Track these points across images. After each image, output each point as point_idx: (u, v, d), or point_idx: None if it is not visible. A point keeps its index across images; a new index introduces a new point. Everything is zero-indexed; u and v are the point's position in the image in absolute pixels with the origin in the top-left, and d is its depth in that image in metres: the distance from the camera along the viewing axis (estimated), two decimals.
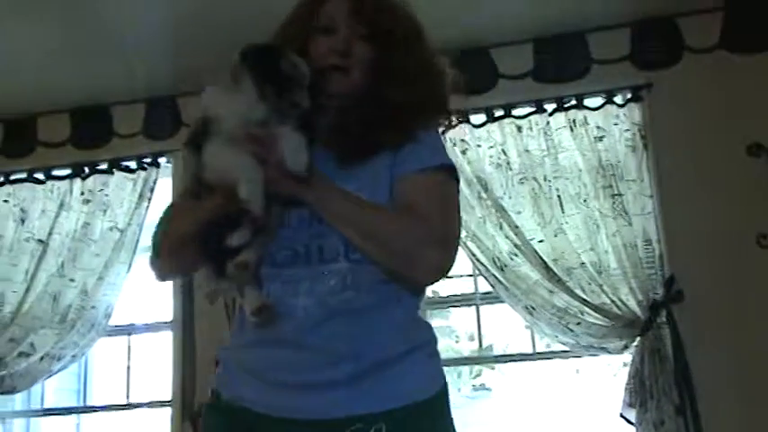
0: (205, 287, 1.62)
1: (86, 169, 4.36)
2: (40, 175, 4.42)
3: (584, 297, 3.66)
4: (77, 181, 4.36)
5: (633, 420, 3.51)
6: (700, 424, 3.43)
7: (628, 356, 3.65)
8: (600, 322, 3.65)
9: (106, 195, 4.30)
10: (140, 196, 4.25)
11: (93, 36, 3.83)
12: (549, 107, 3.89)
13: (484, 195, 3.85)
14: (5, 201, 4.42)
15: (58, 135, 4.49)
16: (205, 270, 1.63)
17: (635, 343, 3.59)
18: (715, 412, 3.45)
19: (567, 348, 3.80)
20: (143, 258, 4.14)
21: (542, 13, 3.82)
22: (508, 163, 3.88)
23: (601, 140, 3.80)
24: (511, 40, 4.00)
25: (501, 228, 3.82)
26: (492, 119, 3.94)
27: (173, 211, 1.75)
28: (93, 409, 4.74)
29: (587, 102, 3.86)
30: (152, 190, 4.26)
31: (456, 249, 1.63)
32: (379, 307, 1.56)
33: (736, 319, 3.56)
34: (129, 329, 4.57)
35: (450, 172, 1.67)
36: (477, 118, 3.96)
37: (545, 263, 3.72)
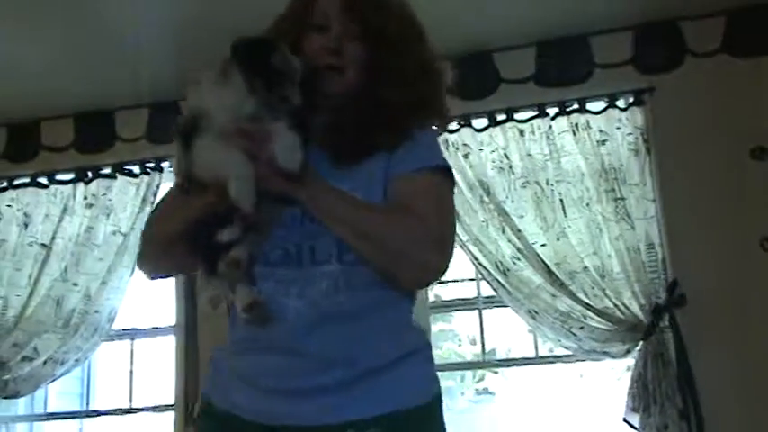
0: (207, 291, 1.59)
1: (90, 174, 4.38)
2: (43, 180, 4.43)
3: (587, 301, 3.66)
4: (81, 185, 4.37)
5: (636, 425, 3.51)
6: (703, 428, 3.42)
7: (631, 360, 3.64)
8: (603, 326, 3.64)
9: (109, 200, 4.31)
10: (143, 201, 4.26)
11: (96, 41, 3.84)
12: (552, 111, 3.90)
13: (486, 199, 3.85)
14: (9, 205, 4.43)
15: (61, 139, 4.50)
16: (198, 270, 1.60)
17: (638, 347, 3.59)
18: (718, 416, 3.45)
19: (569, 352, 3.79)
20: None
21: (544, 17, 3.83)
22: (510, 167, 3.89)
23: (603, 144, 3.80)
24: (513, 45, 4.01)
25: (503, 232, 3.82)
26: (494, 123, 3.94)
27: (162, 209, 1.73)
28: (97, 413, 4.73)
29: (590, 106, 3.87)
30: (155, 194, 4.26)
31: (451, 251, 1.61)
32: (372, 311, 1.54)
33: (739, 323, 3.55)
34: (132, 334, 4.57)
35: (446, 173, 1.65)
36: (480, 122, 3.96)
37: (548, 267, 3.72)
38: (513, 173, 3.87)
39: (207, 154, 1.49)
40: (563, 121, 3.87)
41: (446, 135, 3.90)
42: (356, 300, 1.52)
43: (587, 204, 3.76)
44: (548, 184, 3.81)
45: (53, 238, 4.29)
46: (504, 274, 3.79)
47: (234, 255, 1.49)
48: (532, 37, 3.99)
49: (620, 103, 3.87)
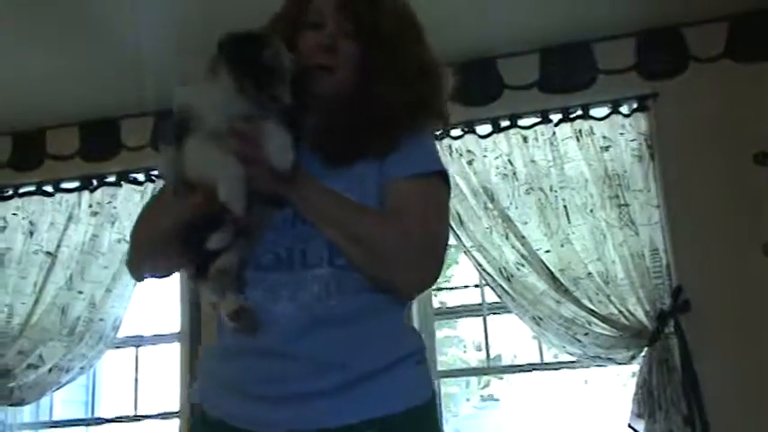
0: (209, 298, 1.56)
1: (95, 182, 4.39)
2: (48, 188, 4.44)
3: (592, 307, 3.66)
4: (86, 193, 4.38)
5: (642, 431, 3.50)
6: None
7: (636, 367, 3.63)
8: (607, 333, 3.64)
9: (114, 208, 4.32)
10: None
11: (101, 49, 3.85)
12: (555, 117, 3.90)
13: (490, 206, 3.85)
14: (14, 213, 4.44)
15: (66, 148, 4.52)
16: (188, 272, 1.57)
17: (643, 353, 3.58)
18: (724, 422, 3.44)
19: (574, 359, 3.79)
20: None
21: (548, 23, 3.83)
22: (514, 173, 3.89)
23: (607, 150, 3.80)
24: (516, 51, 4.01)
25: (507, 238, 3.82)
26: (498, 129, 3.95)
27: (151, 209, 1.70)
28: (102, 420, 4.73)
29: (593, 112, 3.87)
30: None
31: (443, 259, 1.59)
32: (364, 315, 1.51)
33: (743, 329, 3.55)
34: (136, 341, 4.58)
35: (442, 178, 1.62)
36: (483, 128, 3.97)
37: (552, 273, 3.72)
38: (517, 179, 3.88)
39: (197, 155, 1.46)
40: (566, 128, 3.88)
41: (450, 141, 3.91)
42: (348, 304, 1.49)
43: (591, 210, 3.76)
44: (551, 190, 3.81)
45: (58, 246, 4.30)
46: (509, 280, 3.79)
47: (222, 262, 1.47)
48: (536, 43, 3.99)
49: (624, 109, 3.87)
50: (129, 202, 4.31)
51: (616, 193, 3.73)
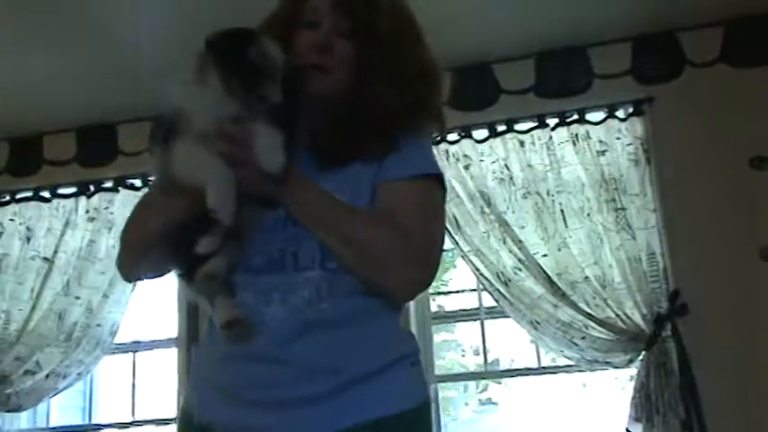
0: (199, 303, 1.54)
1: (92, 187, 4.39)
2: (45, 194, 4.45)
3: (589, 311, 3.66)
4: (83, 199, 4.39)
5: None
6: None
7: (634, 370, 3.64)
8: (605, 336, 3.64)
9: (111, 213, 4.32)
10: None
11: (98, 55, 3.85)
12: (552, 122, 3.91)
13: (487, 210, 3.86)
14: (11, 219, 4.44)
15: (63, 153, 4.52)
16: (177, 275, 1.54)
17: (640, 357, 3.59)
18: (721, 426, 3.44)
19: (572, 363, 3.79)
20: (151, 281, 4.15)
21: (544, 28, 3.84)
22: (511, 178, 3.89)
23: (603, 155, 3.81)
24: (513, 56, 4.02)
25: (504, 242, 3.82)
26: (494, 134, 3.95)
27: (140, 210, 1.66)
28: (99, 426, 4.73)
29: (589, 116, 3.88)
30: None
31: (437, 263, 1.57)
32: (356, 319, 1.49)
33: (740, 332, 3.55)
34: (134, 347, 4.58)
35: (437, 181, 1.60)
36: (480, 133, 3.97)
37: (549, 277, 3.72)
38: (514, 183, 3.88)
39: (185, 158, 1.43)
40: (563, 132, 3.88)
41: (446, 146, 3.91)
42: (339, 307, 1.47)
43: (588, 215, 3.77)
44: (548, 194, 3.82)
45: (55, 251, 4.30)
46: (506, 284, 3.79)
47: (210, 267, 1.43)
48: (532, 48, 4.00)
49: (620, 113, 3.88)
50: (127, 207, 4.30)
51: (613, 197, 3.74)
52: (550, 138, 3.88)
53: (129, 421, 4.48)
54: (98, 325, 4.19)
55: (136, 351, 4.59)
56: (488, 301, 4.04)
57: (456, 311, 4.73)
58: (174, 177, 1.45)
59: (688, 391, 3.47)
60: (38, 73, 3.99)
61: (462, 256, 3.88)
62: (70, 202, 4.39)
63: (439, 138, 3.67)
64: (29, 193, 4.47)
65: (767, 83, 3.76)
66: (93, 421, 4.78)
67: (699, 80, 3.84)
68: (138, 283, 4.10)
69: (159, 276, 1.65)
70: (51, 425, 4.61)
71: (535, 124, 3.92)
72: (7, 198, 4.48)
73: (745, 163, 3.64)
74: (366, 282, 1.49)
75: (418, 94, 1.60)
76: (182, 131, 1.43)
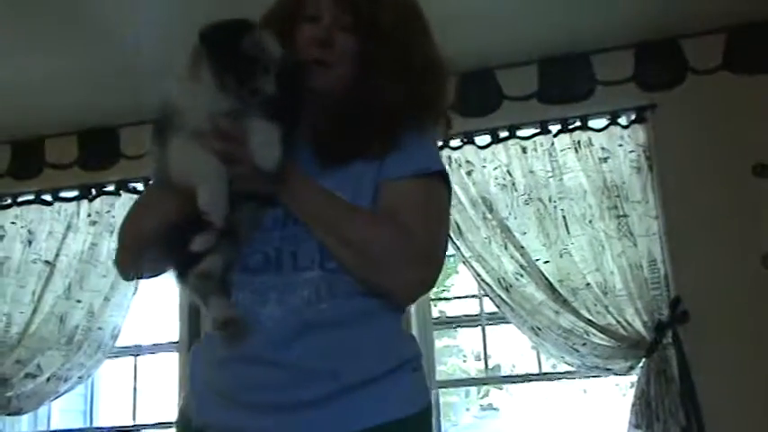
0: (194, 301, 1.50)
1: (94, 191, 4.39)
2: (47, 197, 4.45)
3: (590, 318, 3.66)
4: (85, 202, 4.39)
5: None
6: None
7: (635, 377, 3.63)
8: (605, 343, 3.64)
9: (113, 217, 4.32)
10: None
11: (100, 58, 3.85)
12: (554, 128, 3.91)
13: (489, 216, 3.86)
14: (13, 222, 4.45)
15: (65, 157, 4.52)
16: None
17: (641, 364, 3.59)
18: None
19: (573, 369, 3.79)
20: (149, 280, 4.15)
21: (547, 34, 3.84)
22: (513, 184, 3.89)
23: (605, 161, 3.81)
24: (516, 62, 4.02)
25: (506, 248, 3.82)
26: (497, 140, 3.95)
27: (137, 208, 1.64)
28: (100, 430, 4.73)
29: (592, 123, 3.88)
30: None
31: (440, 263, 1.53)
32: (356, 320, 1.45)
33: (741, 340, 3.55)
34: (135, 350, 4.58)
35: (441, 179, 1.55)
36: (483, 139, 3.97)
37: (550, 283, 3.72)
38: (516, 190, 3.88)
39: (179, 156, 1.40)
40: (565, 139, 3.88)
41: (449, 152, 3.91)
42: (339, 308, 1.43)
43: (590, 221, 3.77)
44: (550, 200, 3.82)
45: (57, 255, 4.30)
46: (507, 290, 3.79)
47: (204, 266, 1.40)
48: (535, 55, 4.00)
49: (622, 120, 3.88)
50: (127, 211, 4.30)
51: (615, 204, 3.73)
52: (553, 144, 3.88)
53: (130, 425, 4.49)
54: (99, 328, 4.20)
55: (137, 355, 4.59)
56: (490, 306, 4.04)
57: (457, 317, 4.72)
58: (168, 176, 1.43)
59: (688, 398, 3.47)
60: (39, 76, 3.99)
61: (464, 262, 3.88)
62: (72, 206, 4.40)
63: (445, 135, 3.68)
64: (30, 197, 4.47)
65: None
66: (95, 425, 4.78)
67: (701, 87, 3.83)
68: (138, 283, 4.16)
69: (156, 275, 1.63)
70: (52, 428, 4.61)
71: (537, 131, 3.92)
72: (9, 201, 4.48)
73: (748, 170, 3.65)
74: (366, 282, 1.45)
75: (423, 89, 1.56)
76: (176, 128, 1.40)
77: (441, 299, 5.17)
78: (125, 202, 4.34)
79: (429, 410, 1.53)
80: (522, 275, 3.78)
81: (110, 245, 4.28)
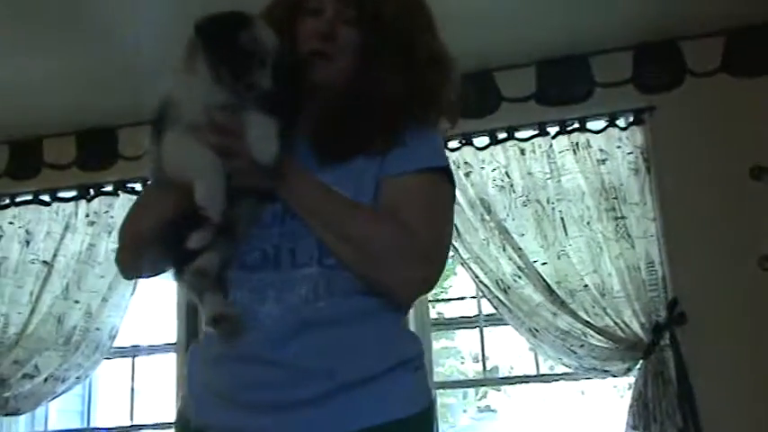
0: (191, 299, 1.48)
1: (92, 191, 4.38)
2: (45, 197, 4.44)
3: (588, 319, 3.66)
4: (83, 203, 4.38)
5: None
6: None
7: (632, 379, 3.64)
8: (603, 345, 3.64)
9: (111, 217, 4.32)
10: None
11: (98, 58, 3.85)
12: (552, 130, 3.91)
13: (487, 217, 3.86)
14: (11, 223, 4.44)
15: (63, 157, 4.52)
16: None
17: (638, 366, 3.59)
18: None
19: (570, 370, 3.79)
20: (147, 280, 4.15)
21: (545, 36, 3.84)
22: (511, 185, 3.89)
23: (603, 163, 3.81)
24: (514, 64, 4.02)
25: (504, 250, 3.82)
26: (495, 141, 3.95)
27: (137, 207, 1.63)
28: (98, 430, 4.73)
29: (590, 125, 3.88)
30: None
31: (442, 261, 1.51)
32: (355, 319, 1.42)
33: (739, 342, 3.55)
34: (133, 351, 4.57)
35: (444, 174, 1.53)
36: (481, 140, 3.97)
37: (548, 285, 3.72)
38: (514, 191, 3.88)
39: (174, 150, 1.38)
40: (563, 140, 3.89)
41: (447, 153, 3.90)
42: (337, 306, 1.40)
43: (588, 223, 3.77)
44: (548, 202, 3.82)
45: (55, 255, 4.29)
46: (505, 292, 3.79)
47: (200, 263, 1.38)
48: (533, 56, 4.00)
49: (621, 122, 3.88)
50: (126, 211, 4.29)
51: (612, 205, 3.74)
52: (551, 146, 3.88)
53: (127, 425, 4.48)
54: (97, 329, 4.19)
55: (135, 355, 4.58)
56: (487, 308, 4.04)
57: (455, 318, 4.73)
58: (164, 171, 1.41)
59: (686, 399, 3.47)
60: (38, 76, 3.99)
61: (462, 264, 3.88)
62: (70, 206, 4.39)
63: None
64: (28, 197, 4.46)
65: None
66: (92, 425, 4.77)
67: (700, 89, 3.84)
68: (136, 284, 4.16)
69: (157, 274, 1.61)
70: (50, 429, 4.60)
71: (536, 132, 3.92)
72: (7, 201, 4.48)
73: (746, 172, 3.65)
74: (365, 279, 1.42)
75: (426, 83, 1.53)
76: (171, 121, 1.38)
77: (439, 300, 5.18)
78: (123, 202, 4.33)
79: (431, 410, 1.51)
80: (519, 277, 3.79)
81: (108, 245, 4.27)
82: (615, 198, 3.74)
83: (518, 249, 3.79)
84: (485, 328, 4.21)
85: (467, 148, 3.95)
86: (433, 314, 4.41)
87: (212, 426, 1.44)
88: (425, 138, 1.53)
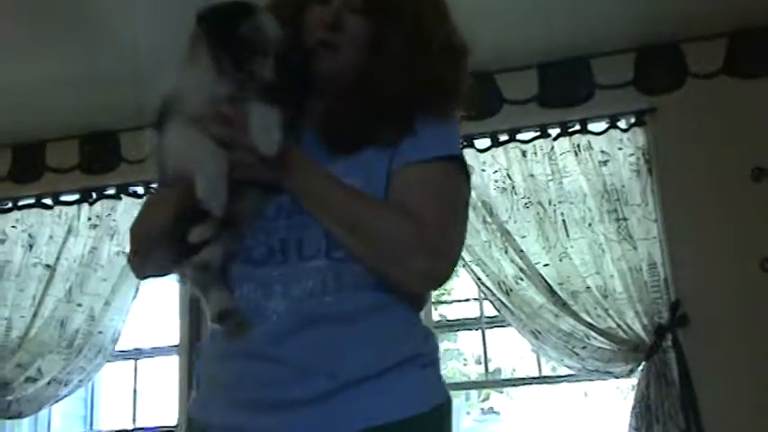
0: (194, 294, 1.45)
1: (94, 194, 4.39)
2: (48, 201, 4.44)
3: (590, 321, 3.66)
4: (85, 206, 4.38)
5: None
6: None
7: (635, 380, 3.64)
8: (605, 346, 3.64)
9: (114, 220, 4.32)
10: None
11: (101, 62, 3.86)
12: (554, 132, 3.91)
13: (489, 219, 3.86)
14: (13, 226, 4.44)
15: (66, 161, 4.52)
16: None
17: (641, 367, 3.59)
18: None
19: (573, 372, 3.79)
20: (150, 283, 4.16)
21: (547, 38, 3.84)
22: (513, 187, 3.90)
23: (605, 165, 3.81)
24: (515, 66, 4.02)
25: (506, 252, 3.82)
26: (497, 143, 3.96)
27: (148, 205, 1.61)
28: None
29: (591, 126, 3.88)
30: None
31: (453, 254, 1.43)
32: (364, 315, 1.36)
33: (741, 343, 3.55)
34: (135, 354, 4.58)
35: (457, 164, 1.46)
36: (482, 142, 3.97)
37: (550, 287, 3.72)
38: (516, 193, 3.89)
39: (176, 142, 1.35)
40: (565, 142, 3.89)
41: None
42: (345, 302, 1.35)
43: (589, 225, 3.77)
44: (550, 204, 3.82)
45: (57, 258, 4.29)
46: (507, 294, 3.79)
47: (203, 257, 1.35)
48: (535, 58, 4.01)
49: (622, 123, 3.88)
50: (129, 214, 4.30)
51: (614, 207, 3.74)
52: (552, 148, 3.89)
53: (130, 429, 4.48)
54: (100, 332, 4.19)
55: (137, 358, 4.59)
56: (490, 310, 4.04)
57: (457, 320, 4.73)
58: (167, 166, 1.39)
59: (688, 401, 3.47)
60: (41, 80, 4.00)
61: (464, 266, 3.88)
62: (72, 210, 4.39)
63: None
64: (31, 200, 4.47)
65: None
66: (95, 429, 4.78)
67: (701, 91, 3.84)
68: (140, 286, 4.16)
69: (166, 274, 1.58)
70: None
71: (537, 134, 3.92)
72: (9, 205, 4.48)
73: (747, 174, 3.65)
74: (375, 272, 1.37)
75: (439, 73, 1.47)
76: (174, 113, 1.36)
77: (441, 302, 5.18)
78: (126, 205, 4.34)
79: (442, 409, 1.41)
80: (522, 279, 3.79)
81: (110, 249, 4.28)
82: (617, 199, 3.74)
83: (520, 251, 3.79)
84: (487, 330, 4.21)
85: (468, 150, 3.94)
86: (435, 316, 4.41)
87: (213, 425, 1.41)
88: (438, 128, 1.46)
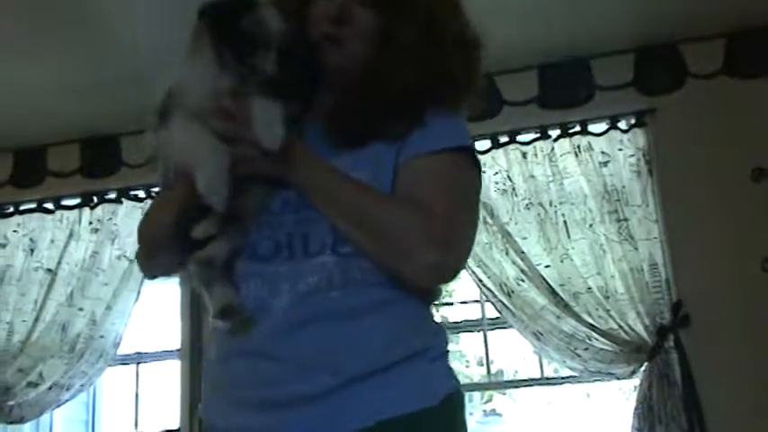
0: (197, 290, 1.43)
1: (95, 199, 4.39)
2: (49, 205, 4.45)
3: (592, 322, 3.66)
4: (86, 210, 4.39)
5: None
6: None
7: (637, 381, 3.63)
8: (607, 347, 3.64)
9: (115, 224, 4.32)
10: None
11: (102, 66, 3.86)
12: (554, 133, 3.91)
13: (490, 221, 3.86)
14: (15, 231, 4.45)
15: (67, 165, 4.52)
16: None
17: (643, 368, 3.59)
18: None
19: (575, 373, 3.79)
20: (151, 287, 4.17)
21: (546, 39, 3.84)
22: (513, 189, 3.90)
23: (605, 166, 3.81)
24: (515, 67, 4.01)
25: (507, 253, 3.82)
26: (497, 145, 3.96)
27: (155, 204, 1.60)
28: None
29: (592, 127, 3.88)
30: None
31: (462, 248, 1.40)
32: (371, 310, 1.33)
33: (743, 343, 3.55)
34: (137, 358, 4.58)
35: (468, 156, 1.43)
36: (483, 144, 3.97)
37: (552, 288, 3.72)
38: (517, 195, 3.89)
39: (178, 137, 1.34)
40: (565, 143, 3.89)
41: None
42: (351, 298, 1.33)
43: (590, 225, 3.77)
44: (551, 205, 3.82)
45: (59, 263, 4.30)
46: (509, 295, 3.79)
47: (207, 252, 1.34)
48: (535, 59, 4.01)
49: (622, 124, 3.88)
50: (130, 218, 4.30)
51: (615, 208, 3.74)
52: (553, 149, 3.89)
53: None
54: (101, 336, 4.19)
55: (139, 363, 4.59)
56: (491, 311, 4.04)
57: (459, 322, 4.72)
58: (169, 161, 1.39)
59: (691, 402, 3.47)
60: (42, 84, 4.00)
61: (465, 268, 3.88)
62: (74, 214, 4.40)
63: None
64: (32, 205, 4.47)
65: None
66: None
67: (701, 92, 3.84)
68: (142, 290, 4.15)
69: (173, 275, 1.57)
70: None
71: (537, 135, 3.93)
72: (11, 209, 4.48)
73: (747, 174, 3.65)
74: (383, 267, 1.34)
75: (452, 65, 1.45)
76: (176, 107, 1.35)
77: (443, 304, 5.18)
78: (127, 210, 4.34)
79: (453, 403, 1.38)
80: (523, 280, 3.79)
81: (112, 253, 4.28)
82: (617, 200, 3.74)
83: (521, 253, 3.79)
84: (489, 332, 4.21)
85: None
86: (437, 318, 4.40)
87: (217, 425, 1.40)
88: (448, 120, 1.44)
